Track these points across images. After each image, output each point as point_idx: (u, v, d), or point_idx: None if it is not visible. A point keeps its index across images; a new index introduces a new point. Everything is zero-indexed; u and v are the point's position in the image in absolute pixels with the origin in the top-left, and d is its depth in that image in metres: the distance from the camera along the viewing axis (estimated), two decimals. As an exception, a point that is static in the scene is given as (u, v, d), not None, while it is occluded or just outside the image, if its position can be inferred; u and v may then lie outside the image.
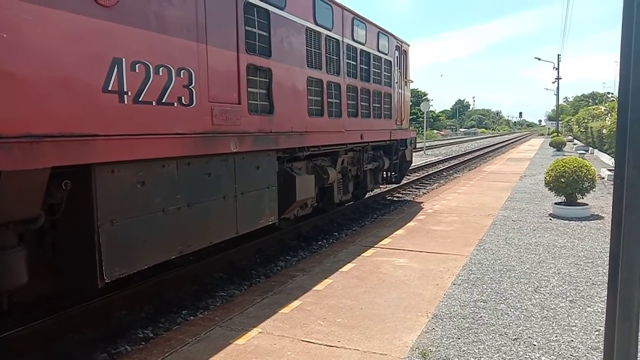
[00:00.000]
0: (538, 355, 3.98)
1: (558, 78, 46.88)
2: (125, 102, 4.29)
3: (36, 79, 3.56)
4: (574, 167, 9.53)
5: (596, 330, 4.43)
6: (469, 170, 22.60)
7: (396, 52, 12.14)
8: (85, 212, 4.14)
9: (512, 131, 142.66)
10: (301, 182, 7.64)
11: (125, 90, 4.27)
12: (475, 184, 15.65)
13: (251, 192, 6.29)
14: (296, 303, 5.24)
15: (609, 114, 23.18)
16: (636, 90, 1.90)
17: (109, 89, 4.13)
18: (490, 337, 4.32)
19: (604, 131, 21.68)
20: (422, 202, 12.24)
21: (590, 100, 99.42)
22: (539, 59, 45.98)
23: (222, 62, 5.58)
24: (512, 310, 4.93)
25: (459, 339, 4.29)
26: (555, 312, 4.86)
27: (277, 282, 6.08)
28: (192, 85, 5.08)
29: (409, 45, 13.35)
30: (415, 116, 66.17)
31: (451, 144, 51.71)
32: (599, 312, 4.88)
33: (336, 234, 9.58)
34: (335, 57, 8.66)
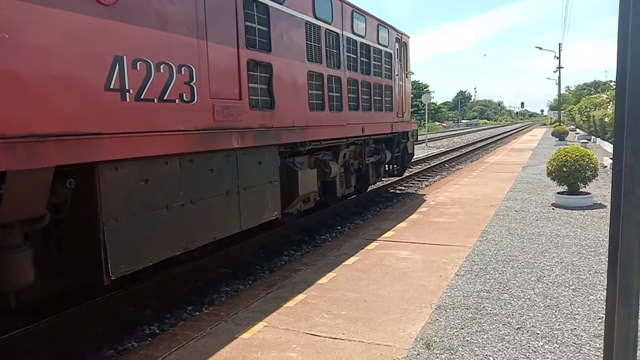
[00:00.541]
0: (541, 343, 4.01)
1: (559, 67, 46.70)
2: (128, 100, 4.31)
3: (38, 79, 3.59)
4: (575, 156, 9.53)
5: (599, 318, 4.46)
6: (471, 161, 22.59)
7: (396, 44, 12.12)
8: (90, 210, 4.18)
9: (514, 121, 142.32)
10: (303, 176, 7.66)
11: (127, 88, 4.30)
12: (478, 175, 15.66)
13: (254, 187, 6.32)
14: (300, 297, 5.28)
15: (611, 103, 23.11)
16: (633, 78, 1.91)
17: (111, 87, 4.15)
18: (494, 326, 4.36)
19: (606, 120, 21.63)
20: (424, 195, 12.26)
21: (593, 89, 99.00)
22: (540, 49, 45.78)
23: (223, 58, 5.60)
24: (515, 299, 4.96)
25: (462, 329, 4.33)
26: (558, 300, 4.89)
27: (281, 276, 6.12)
28: (193, 82, 5.10)
29: (409, 37, 13.32)
30: (417, 108, 65.98)
31: (453, 135, 51.63)
32: (601, 300, 4.90)
33: (339, 227, 9.62)
34: (335, 51, 8.65)
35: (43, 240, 4.37)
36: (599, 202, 9.99)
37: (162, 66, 4.67)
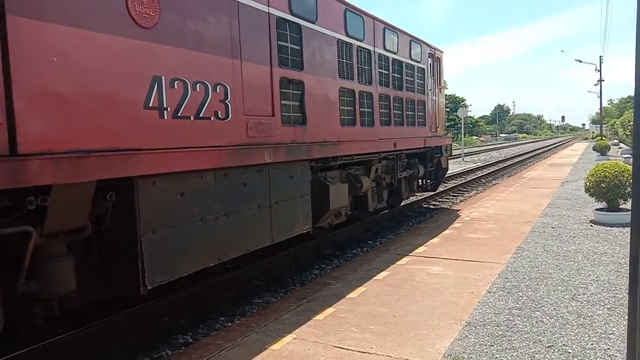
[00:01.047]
0: (573, 363, 3.94)
1: (600, 80, 45.36)
2: (165, 118, 4.53)
3: (83, 98, 3.83)
4: (615, 171, 9.28)
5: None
6: (509, 176, 22.18)
7: (429, 59, 12.14)
8: (129, 222, 4.38)
9: (554, 136, 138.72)
10: (335, 191, 7.75)
11: (165, 106, 4.52)
12: (515, 190, 15.38)
13: (285, 201, 6.45)
14: (330, 310, 5.34)
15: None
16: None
17: (150, 105, 4.37)
18: (524, 344, 4.30)
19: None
20: (459, 210, 12.13)
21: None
22: (580, 61, 44.68)
23: (256, 77, 5.79)
24: (547, 317, 4.87)
25: (491, 346, 4.29)
26: (592, 319, 4.78)
27: (312, 289, 6.20)
28: (228, 99, 5.30)
29: (442, 52, 13.31)
30: (453, 122, 65.34)
31: (491, 150, 50.77)
32: (639, 320, 4.76)
33: (371, 242, 9.63)
34: (367, 67, 8.77)
35: (84, 251, 4.60)
36: (640, 219, 9.65)
37: (198, 85, 4.88)
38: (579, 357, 4.02)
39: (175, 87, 4.63)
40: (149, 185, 4.47)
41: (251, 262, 7.18)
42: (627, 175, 9.27)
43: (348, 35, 8.03)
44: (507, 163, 29.59)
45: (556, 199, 13.11)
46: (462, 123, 36.08)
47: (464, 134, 40.30)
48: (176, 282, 5.13)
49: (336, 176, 8.24)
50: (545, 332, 4.55)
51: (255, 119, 5.74)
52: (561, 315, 4.93)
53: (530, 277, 6.20)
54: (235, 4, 5.42)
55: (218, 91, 5.16)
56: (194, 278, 5.85)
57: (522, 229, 9.24)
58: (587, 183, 9.77)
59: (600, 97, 46.90)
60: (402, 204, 12.36)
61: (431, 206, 14.11)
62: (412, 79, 10.96)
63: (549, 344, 4.28)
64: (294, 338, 4.63)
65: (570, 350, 4.15)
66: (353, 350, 4.32)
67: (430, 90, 12.25)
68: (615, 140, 49.12)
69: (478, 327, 4.72)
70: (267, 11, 5.98)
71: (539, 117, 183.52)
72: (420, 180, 12.55)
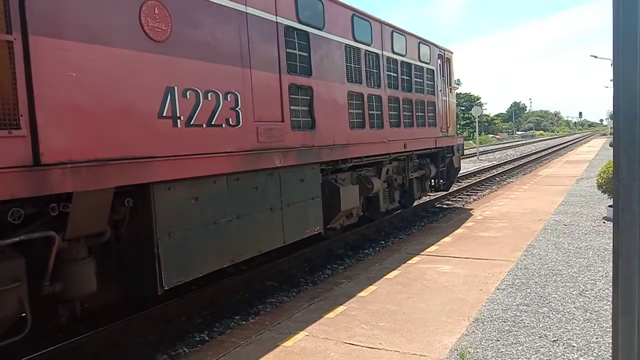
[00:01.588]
0: (576, 356, 4.04)
1: (618, 75, 44.68)
2: (179, 126, 4.75)
3: (100, 110, 4.06)
4: (627, 168, 9.27)
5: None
6: (524, 174, 22.07)
7: (439, 60, 12.23)
8: (146, 226, 4.61)
9: (572, 132, 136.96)
10: (345, 192, 7.91)
11: (178, 115, 4.74)
12: (529, 188, 15.36)
13: (296, 203, 6.64)
14: (341, 308, 5.49)
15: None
16: (625, 97, 2.07)
17: (164, 115, 4.60)
18: (530, 339, 4.41)
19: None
20: (471, 209, 12.19)
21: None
22: (595, 57, 44.12)
23: (266, 84, 5.99)
24: (554, 313, 4.97)
25: (498, 340, 4.41)
26: (598, 314, 4.86)
27: (324, 289, 6.36)
28: (239, 107, 5.50)
29: (452, 53, 13.39)
30: (469, 121, 64.96)
31: (507, 148, 50.36)
32: (645, 314, 4.83)
33: (383, 242, 9.76)
34: (375, 71, 8.91)
35: (104, 254, 4.83)
36: (654, 215, 9.63)
37: (209, 94, 5.09)
38: (583, 351, 4.12)
39: (188, 96, 4.85)
40: (164, 190, 4.68)
41: (265, 263, 7.38)
42: (639, 171, 9.26)
43: (356, 40, 8.19)
44: (523, 161, 29.40)
45: (570, 196, 13.07)
46: (476, 122, 35.94)
47: (480, 133, 40.10)
48: (192, 283, 5.34)
49: (347, 178, 8.40)
50: (552, 327, 4.64)
51: (265, 125, 5.94)
52: (568, 310, 5.02)
53: (540, 274, 6.28)
54: (244, 15, 5.63)
55: (229, 99, 5.36)
56: (210, 279, 6.06)
57: (534, 226, 9.28)
58: (599, 180, 9.79)
59: (618, 92, 46.18)
60: (414, 204, 12.46)
61: (444, 205, 14.17)
62: (421, 81, 11.07)
63: (554, 339, 4.38)
64: (306, 335, 4.79)
65: (574, 344, 4.24)
66: (362, 346, 4.47)
67: (441, 90, 12.34)
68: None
69: (485, 323, 4.83)
70: (275, 20, 6.17)
71: (556, 114, 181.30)
72: (432, 180, 12.64)
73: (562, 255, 7.12)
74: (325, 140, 7.22)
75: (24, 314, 3.78)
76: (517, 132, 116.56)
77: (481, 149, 39.28)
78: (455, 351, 4.24)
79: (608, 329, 4.50)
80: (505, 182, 19.35)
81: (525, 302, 5.33)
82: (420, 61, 11.03)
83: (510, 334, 4.54)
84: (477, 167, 24.46)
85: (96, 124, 4.02)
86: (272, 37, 6.12)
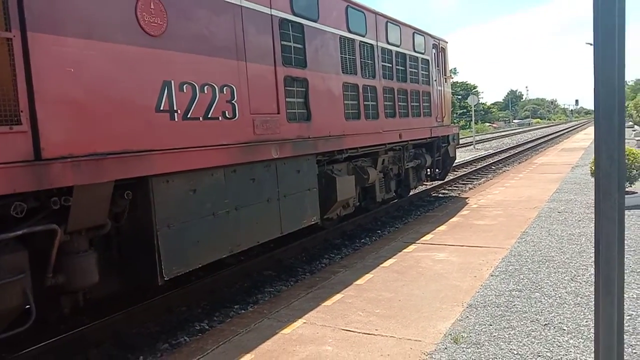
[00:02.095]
0: (566, 339, 4.16)
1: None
2: (176, 120, 4.83)
3: (99, 105, 4.13)
4: (619, 155, 9.38)
5: (627, 315, 4.54)
6: (519, 163, 22.20)
7: (433, 50, 12.28)
8: (145, 218, 4.70)
9: (568, 120, 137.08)
10: (341, 183, 8.00)
11: (175, 108, 4.81)
12: (525, 176, 15.48)
13: (293, 194, 6.73)
14: (338, 296, 5.61)
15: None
16: (604, 90, 2.16)
17: (161, 108, 4.67)
18: (522, 323, 4.53)
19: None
20: (467, 198, 12.31)
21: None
22: (591, 44, 43.96)
23: (261, 77, 6.05)
24: (546, 298, 5.09)
25: (490, 325, 4.53)
26: (588, 299, 4.98)
27: (321, 277, 6.48)
28: (235, 100, 5.57)
29: (447, 43, 13.44)
30: (465, 110, 65.01)
31: (503, 136, 50.48)
32: (633, 298, 4.98)
33: (379, 231, 9.87)
34: (370, 61, 8.97)
35: (105, 246, 4.93)
36: (646, 201, 9.76)
37: (206, 87, 5.16)
38: (573, 334, 4.24)
39: (184, 90, 4.92)
40: (163, 183, 4.77)
41: (264, 253, 7.49)
42: (632, 159, 9.38)
43: (350, 31, 8.24)
44: (519, 149, 29.52)
45: (565, 183, 13.20)
46: (472, 110, 36.01)
47: (476, 121, 40.18)
48: (192, 273, 5.44)
49: (343, 168, 8.49)
50: (543, 311, 4.76)
51: (261, 117, 6.01)
52: (559, 295, 5.14)
53: (533, 260, 6.40)
54: (239, 8, 5.68)
55: (225, 92, 5.43)
56: (209, 269, 6.17)
57: (528, 214, 9.40)
58: (592, 167, 9.89)
59: (614, 79, 46.20)
60: (410, 193, 12.57)
61: (440, 195, 14.29)
62: (416, 71, 11.13)
63: (545, 322, 4.51)
64: (304, 323, 4.91)
65: (565, 328, 4.37)
66: (359, 332, 4.59)
67: (435, 80, 12.40)
68: (630, 123, 48.52)
69: (479, 308, 4.95)
70: (269, 13, 6.23)
71: (552, 102, 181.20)
72: (428, 170, 12.74)
73: (556, 242, 7.25)
74: (321, 132, 7.30)
75: (28, 306, 3.87)
76: (514, 121, 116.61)
77: (477, 138, 39.37)
78: (449, 336, 4.36)
79: (597, 313, 4.63)
80: (500, 171, 19.47)
81: (518, 287, 5.45)
82: (415, 51, 11.08)
83: (503, 318, 4.66)
84: (473, 156, 24.57)
85: (95, 118, 4.09)
86: (267, 30, 6.17)
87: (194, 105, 5.01)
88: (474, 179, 17.33)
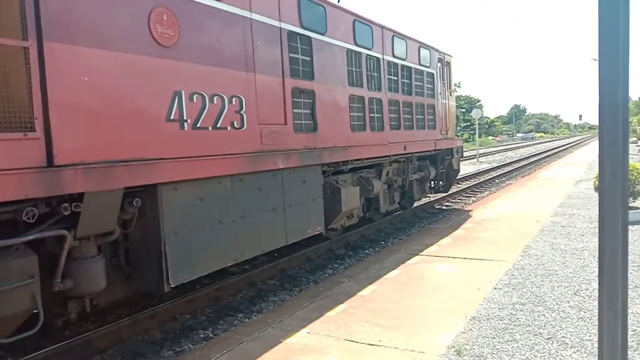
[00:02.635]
0: (569, 352, 4.18)
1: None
2: (185, 129, 4.91)
3: (111, 114, 4.21)
4: (623, 170, 9.41)
5: (631, 331, 4.55)
6: (523, 176, 22.19)
7: (439, 63, 12.38)
8: (153, 225, 4.76)
9: (572, 134, 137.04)
10: (346, 193, 8.05)
11: (185, 118, 4.89)
12: (528, 190, 15.49)
13: (298, 204, 6.79)
14: (342, 307, 5.62)
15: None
16: (608, 103, 2.21)
17: (171, 118, 4.75)
18: (525, 336, 4.54)
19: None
20: (471, 211, 12.33)
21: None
22: (595, 60, 44.12)
23: (269, 88, 6.14)
24: (549, 312, 5.10)
25: (494, 338, 4.54)
26: (592, 313, 4.99)
27: (325, 287, 6.50)
28: (243, 110, 5.66)
29: (452, 57, 13.54)
30: (469, 123, 65.12)
31: (506, 150, 50.46)
32: (638, 313, 4.98)
33: (383, 242, 9.89)
34: (376, 74, 9.07)
35: (113, 252, 4.98)
36: (650, 217, 9.76)
37: (215, 98, 5.25)
38: (576, 348, 4.26)
39: (194, 100, 5.00)
40: (171, 191, 4.83)
41: (268, 262, 7.53)
42: (635, 174, 9.41)
43: (357, 45, 8.34)
44: (522, 163, 29.50)
45: (568, 198, 13.21)
46: (476, 124, 36.09)
47: (480, 135, 40.24)
48: (196, 281, 5.48)
49: (347, 179, 8.55)
50: (546, 325, 4.78)
51: (268, 128, 6.09)
52: (562, 309, 5.16)
53: (536, 274, 6.41)
54: (249, 21, 5.79)
55: (234, 103, 5.52)
56: (214, 277, 6.20)
57: (532, 228, 9.41)
58: (595, 182, 9.92)
59: (618, 94, 46.24)
60: (414, 205, 12.60)
61: (443, 207, 14.30)
62: (421, 84, 11.22)
63: (548, 336, 4.52)
64: (307, 332, 4.93)
65: (568, 342, 4.38)
66: (362, 343, 4.61)
67: (440, 93, 12.49)
68: (634, 138, 48.48)
69: (482, 321, 4.96)
70: (278, 26, 6.33)
71: (556, 116, 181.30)
72: (432, 182, 12.78)
73: (559, 255, 7.26)
74: (327, 143, 7.37)
75: (36, 310, 3.91)
76: (518, 134, 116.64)
77: (481, 151, 39.40)
78: (453, 348, 4.38)
79: (601, 327, 4.64)
80: (504, 184, 19.47)
81: (521, 301, 5.47)
82: (421, 65, 11.18)
83: (506, 331, 4.67)
84: (476, 169, 24.57)
85: (107, 126, 4.17)
86: (275, 42, 6.27)
87: (203, 115, 5.09)
88: (477, 192, 17.33)
